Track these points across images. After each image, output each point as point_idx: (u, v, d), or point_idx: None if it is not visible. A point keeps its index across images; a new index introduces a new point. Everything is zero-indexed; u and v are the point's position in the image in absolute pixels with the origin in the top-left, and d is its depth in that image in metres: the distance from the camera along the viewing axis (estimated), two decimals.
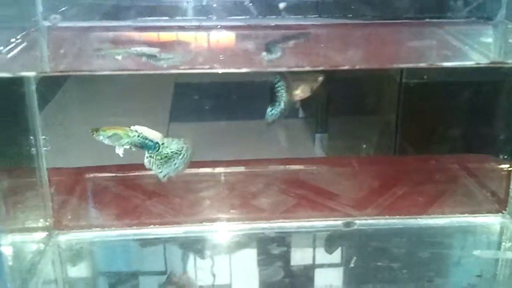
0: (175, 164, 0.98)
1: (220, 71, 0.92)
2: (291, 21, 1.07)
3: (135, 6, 1.06)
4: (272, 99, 1.06)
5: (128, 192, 1.31)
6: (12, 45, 0.96)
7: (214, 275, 1.08)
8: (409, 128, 2.32)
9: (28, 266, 1.03)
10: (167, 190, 1.31)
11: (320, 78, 1.00)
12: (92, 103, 2.88)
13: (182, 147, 0.99)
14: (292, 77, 0.99)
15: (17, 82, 1.01)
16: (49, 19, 1.02)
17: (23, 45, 0.97)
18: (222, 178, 1.40)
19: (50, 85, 1.17)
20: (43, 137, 1.09)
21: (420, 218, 1.18)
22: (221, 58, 1.02)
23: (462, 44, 1.06)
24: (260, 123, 1.06)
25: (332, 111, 3.03)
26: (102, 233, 1.18)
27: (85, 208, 1.25)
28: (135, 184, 1.33)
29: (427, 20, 1.11)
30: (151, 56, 0.95)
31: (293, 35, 1.06)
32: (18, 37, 0.98)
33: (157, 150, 0.97)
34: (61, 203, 1.23)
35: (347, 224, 1.09)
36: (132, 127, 0.96)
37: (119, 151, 0.96)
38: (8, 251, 0.94)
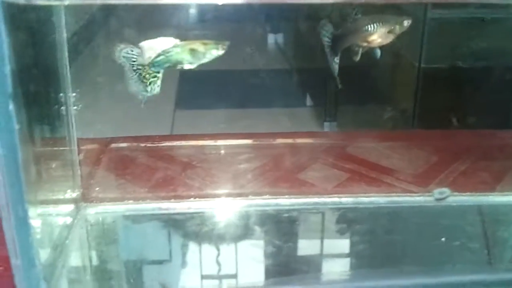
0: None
1: None
2: None
3: None
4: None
5: (160, 163, 1.18)
6: None
7: (253, 250, 0.98)
8: (428, 118, 2.21)
9: (56, 241, 0.90)
10: (203, 161, 1.18)
11: (406, 22, 0.85)
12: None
13: None
14: (369, 19, 0.85)
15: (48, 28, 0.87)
16: None
17: None
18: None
19: None
20: (73, 94, 0.96)
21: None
22: None
23: None
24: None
25: (342, 99, 2.92)
26: (131, 207, 1.05)
27: (113, 180, 1.11)
28: (167, 155, 1.21)
29: None
30: None
31: None
32: None
33: None
34: (89, 174, 1.10)
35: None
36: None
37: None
38: (36, 224, 0.81)
